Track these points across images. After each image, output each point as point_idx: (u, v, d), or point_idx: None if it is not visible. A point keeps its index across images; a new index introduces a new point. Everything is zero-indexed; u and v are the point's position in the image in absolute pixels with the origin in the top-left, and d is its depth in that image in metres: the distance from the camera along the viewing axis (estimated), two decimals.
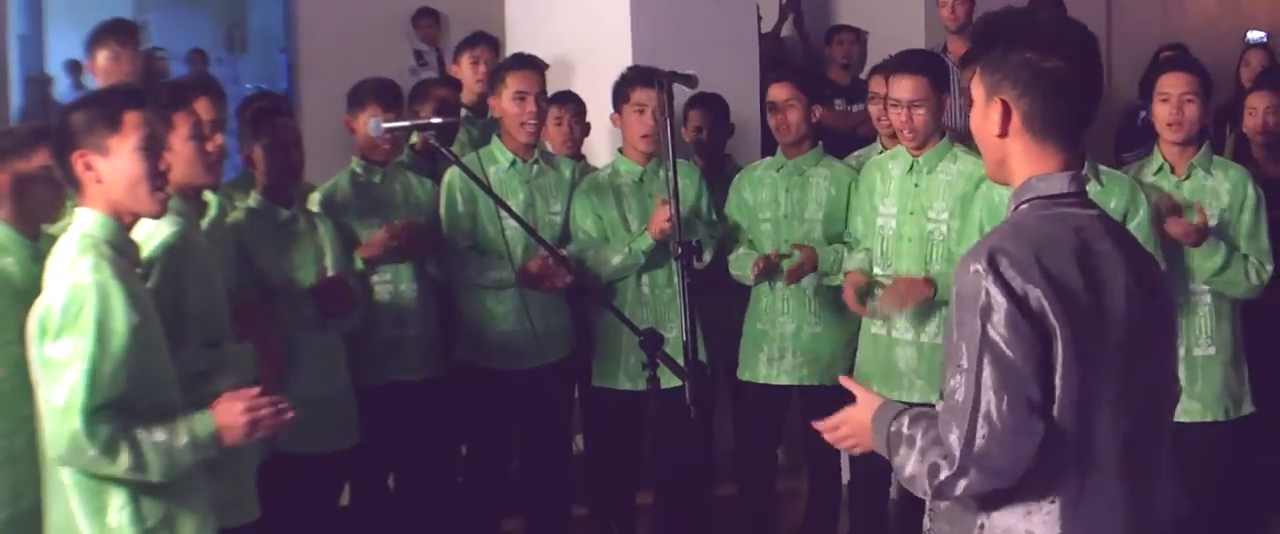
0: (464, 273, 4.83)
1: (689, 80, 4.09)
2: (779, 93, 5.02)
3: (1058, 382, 2.24)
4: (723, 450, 5.53)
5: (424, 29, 8.01)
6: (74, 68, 12.37)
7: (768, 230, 5.01)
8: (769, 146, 5.41)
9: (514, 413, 4.95)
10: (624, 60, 5.40)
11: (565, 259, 4.46)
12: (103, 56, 5.29)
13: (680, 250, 3.64)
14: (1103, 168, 4.47)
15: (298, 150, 4.37)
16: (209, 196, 3.80)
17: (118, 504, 2.98)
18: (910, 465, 2.32)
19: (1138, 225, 4.26)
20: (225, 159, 3.78)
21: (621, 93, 4.97)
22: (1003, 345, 2.22)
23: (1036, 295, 2.23)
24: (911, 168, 4.62)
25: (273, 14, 10.57)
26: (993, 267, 2.24)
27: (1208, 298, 4.46)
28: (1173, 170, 4.51)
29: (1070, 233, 2.31)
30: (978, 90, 2.41)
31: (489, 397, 4.87)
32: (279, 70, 11.48)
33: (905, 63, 4.65)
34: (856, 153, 5.42)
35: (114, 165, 2.99)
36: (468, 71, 5.97)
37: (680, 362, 3.42)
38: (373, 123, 3.96)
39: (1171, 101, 4.44)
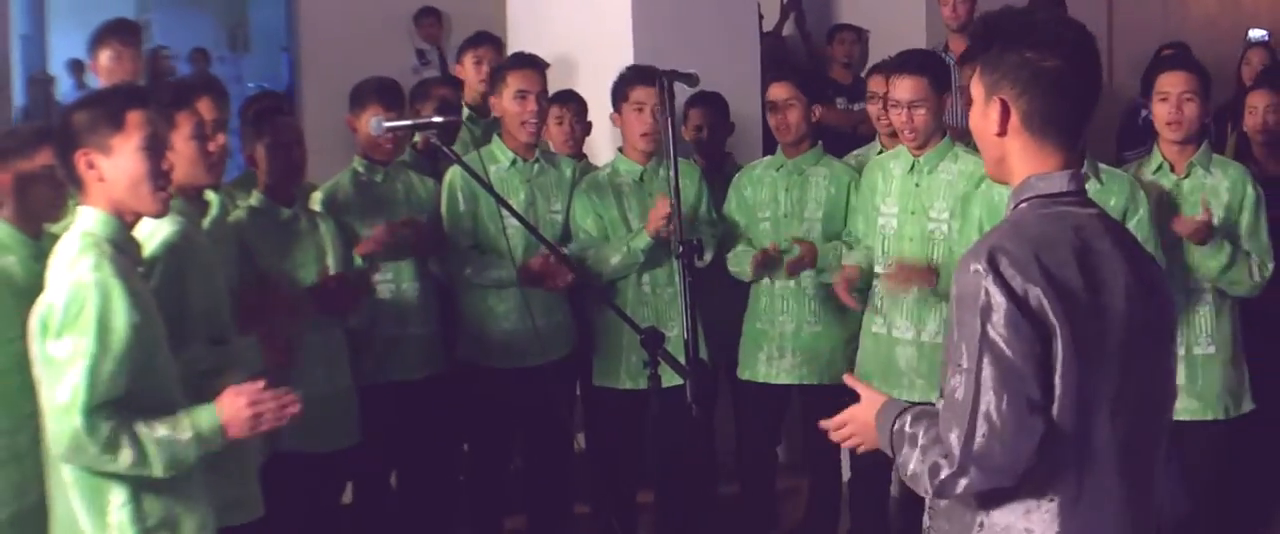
0: (465, 272, 4.83)
1: (689, 79, 4.09)
2: (779, 92, 5.03)
3: (1057, 381, 2.25)
4: (724, 449, 5.54)
5: (426, 28, 8.02)
6: (76, 67, 12.39)
7: (767, 229, 5.02)
8: (770, 146, 5.41)
9: (515, 411, 4.94)
10: (625, 59, 5.39)
11: (566, 257, 4.46)
12: (105, 56, 5.30)
13: (681, 249, 3.64)
14: (1102, 166, 4.48)
15: (300, 149, 4.37)
16: (211, 196, 3.80)
17: (118, 502, 2.99)
18: (912, 464, 2.33)
19: (1137, 224, 4.27)
20: (227, 158, 3.78)
21: (621, 91, 4.96)
22: (1002, 345, 2.22)
23: (1036, 294, 2.23)
24: (913, 167, 4.62)
25: (275, 13, 10.57)
26: (992, 266, 2.24)
27: (1208, 296, 4.46)
28: (1172, 169, 4.51)
29: (1070, 232, 2.32)
30: (977, 89, 2.42)
31: (490, 395, 4.87)
32: (281, 69, 11.49)
33: (905, 63, 4.65)
34: (855, 152, 5.42)
35: (116, 164, 3.00)
36: (471, 71, 5.95)
37: (681, 360, 3.42)
38: (374, 122, 3.94)
39: (1170, 100, 4.45)
